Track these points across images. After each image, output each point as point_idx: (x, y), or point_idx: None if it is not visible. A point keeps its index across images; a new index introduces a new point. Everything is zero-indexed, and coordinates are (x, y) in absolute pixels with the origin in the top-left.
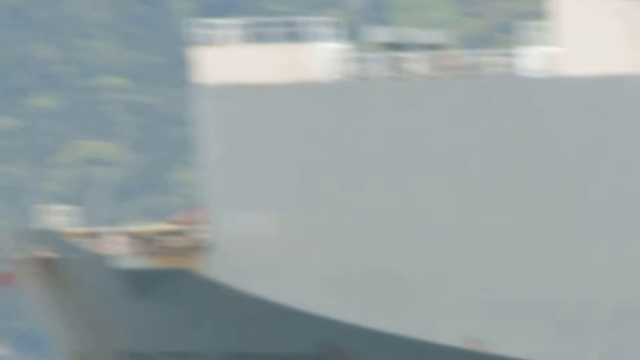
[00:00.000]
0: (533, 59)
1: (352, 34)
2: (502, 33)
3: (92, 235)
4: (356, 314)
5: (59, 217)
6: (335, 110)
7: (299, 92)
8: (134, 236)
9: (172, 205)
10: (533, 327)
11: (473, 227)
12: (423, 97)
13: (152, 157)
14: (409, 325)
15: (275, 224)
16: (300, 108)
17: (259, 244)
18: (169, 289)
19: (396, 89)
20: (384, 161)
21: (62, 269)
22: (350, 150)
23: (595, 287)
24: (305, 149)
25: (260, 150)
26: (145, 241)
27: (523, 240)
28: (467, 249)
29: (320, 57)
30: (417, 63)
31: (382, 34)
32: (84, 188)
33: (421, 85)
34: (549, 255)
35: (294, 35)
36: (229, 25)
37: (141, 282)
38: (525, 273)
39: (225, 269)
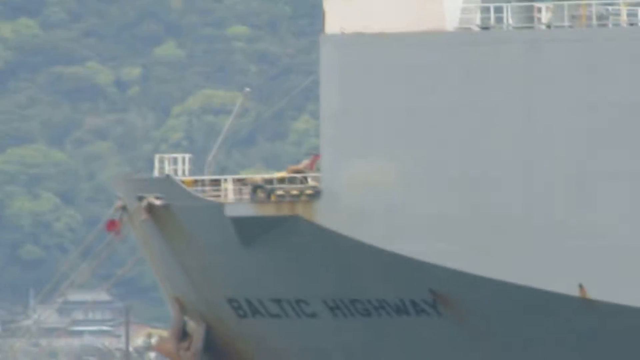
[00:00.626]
0: None
1: None
2: None
3: (206, 183)
4: (465, 261)
5: (177, 165)
6: (459, 60)
7: (424, 41)
8: (247, 184)
9: (294, 154)
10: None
11: (588, 174)
12: (549, 46)
13: (275, 106)
14: (515, 271)
15: (387, 173)
16: (424, 57)
17: (370, 192)
18: (280, 236)
19: (523, 37)
20: (505, 110)
21: (174, 216)
22: (472, 99)
23: None
24: (424, 99)
25: (377, 99)
26: (258, 189)
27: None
28: (583, 195)
29: (447, 7)
30: (544, 12)
31: None
32: (206, 137)
33: (548, 34)
34: None
35: None
36: None
37: (252, 229)
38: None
39: (335, 216)
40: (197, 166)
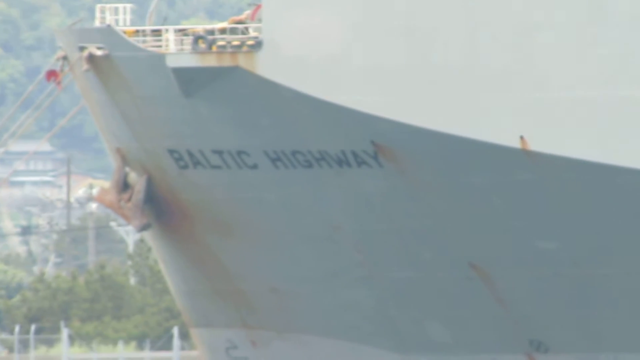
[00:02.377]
0: None
1: None
2: None
3: (148, 33)
4: (407, 112)
5: (118, 16)
6: None
7: None
8: (189, 34)
9: (237, 4)
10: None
11: (530, 24)
12: None
13: None
14: (457, 123)
15: (328, 22)
16: None
17: (311, 43)
18: (221, 87)
19: None
20: None
21: (115, 66)
22: None
23: None
24: None
25: None
26: (199, 39)
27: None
28: (524, 46)
29: None
30: None
31: None
32: None
33: None
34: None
35: None
36: None
37: (193, 80)
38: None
39: (276, 67)
40: (139, 16)
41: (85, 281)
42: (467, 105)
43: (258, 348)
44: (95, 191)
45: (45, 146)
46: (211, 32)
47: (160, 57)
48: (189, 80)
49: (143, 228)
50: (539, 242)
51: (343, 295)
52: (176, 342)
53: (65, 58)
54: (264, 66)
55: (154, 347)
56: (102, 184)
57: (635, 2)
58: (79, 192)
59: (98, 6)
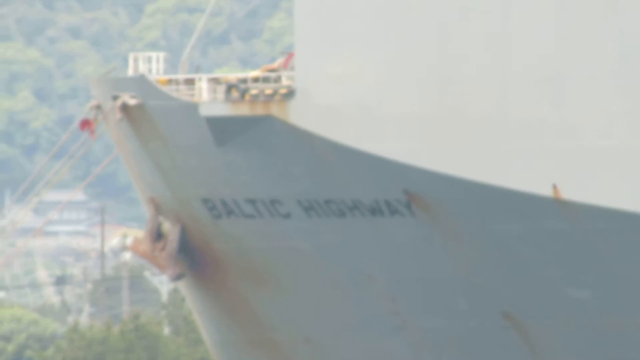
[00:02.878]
0: None
1: None
2: None
3: (181, 82)
4: (439, 161)
5: (151, 64)
6: None
7: None
8: (221, 83)
9: (269, 53)
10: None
11: (562, 73)
12: None
13: (250, 4)
14: (489, 171)
15: (362, 71)
16: None
17: (344, 91)
18: (254, 136)
19: None
20: (480, 8)
21: (148, 115)
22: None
23: None
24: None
25: None
26: (232, 88)
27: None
28: (556, 95)
29: None
30: None
31: None
32: (182, 35)
33: None
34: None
35: None
36: None
37: (226, 129)
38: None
39: (309, 115)
40: (172, 65)
41: (120, 331)
42: (499, 153)
43: None
44: (129, 241)
45: (79, 195)
46: (244, 80)
47: (193, 106)
48: (222, 129)
49: (177, 278)
50: (572, 290)
51: (377, 344)
52: None
53: (98, 107)
54: (297, 115)
55: None
56: (136, 234)
57: None
58: (113, 241)
59: (131, 55)
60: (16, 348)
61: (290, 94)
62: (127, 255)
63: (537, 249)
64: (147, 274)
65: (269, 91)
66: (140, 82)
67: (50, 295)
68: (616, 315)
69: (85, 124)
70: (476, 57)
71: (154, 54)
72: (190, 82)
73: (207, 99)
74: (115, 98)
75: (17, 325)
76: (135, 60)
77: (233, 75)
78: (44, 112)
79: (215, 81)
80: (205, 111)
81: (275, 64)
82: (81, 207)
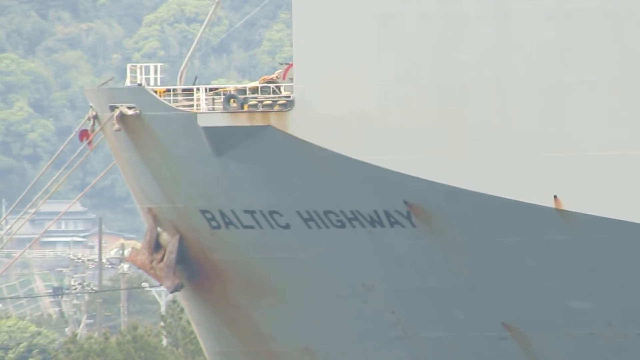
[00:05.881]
0: None
1: None
2: None
3: (179, 92)
4: (439, 172)
5: (149, 75)
6: None
7: None
8: (220, 93)
9: (269, 63)
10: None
11: (562, 84)
12: None
13: (248, 14)
14: (490, 182)
15: (361, 81)
16: None
17: (343, 102)
18: (253, 146)
19: None
20: (479, 18)
21: (146, 126)
22: (445, 7)
23: None
24: (398, 6)
25: (351, 7)
26: (230, 98)
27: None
28: (557, 106)
29: None
30: None
31: None
32: (180, 46)
33: None
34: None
35: None
36: None
37: (225, 139)
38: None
39: (308, 126)
40: (171, 75)
41: (118, 342)
42: (500, 164)
43: None
44: (127, 252)
45: (76, 206)
46: (243, 91)
47: (192, 117)
48: (221, 140)
49: (175, 289)
50: (573, 302)
51: (376, 355)
52: None
53: (96, 117)
54: (296, 125)
55: None
56: (134, 245)
57: None
58: (111, 252)
59: (129, 65)
60: (17, 356)
61: (289, 104)
62: (125, 267)
63: (537, 260)
64: (145, 285)
65: (268, 102)
66: (138, 93)
67: (48, 306)
68: (617, 326)
69: (84, 134)
70: (476, 68)
71: (151, 64)
72: (188, 92)
73: (206, 109)
74: (112, 109)
75: (20, 334)
76: (133, 70)
77: (232, 86)
78: (41, 123)
79: (214, 92)
80: (204, 122)
81: (275, 75)
82: (79, 218)
